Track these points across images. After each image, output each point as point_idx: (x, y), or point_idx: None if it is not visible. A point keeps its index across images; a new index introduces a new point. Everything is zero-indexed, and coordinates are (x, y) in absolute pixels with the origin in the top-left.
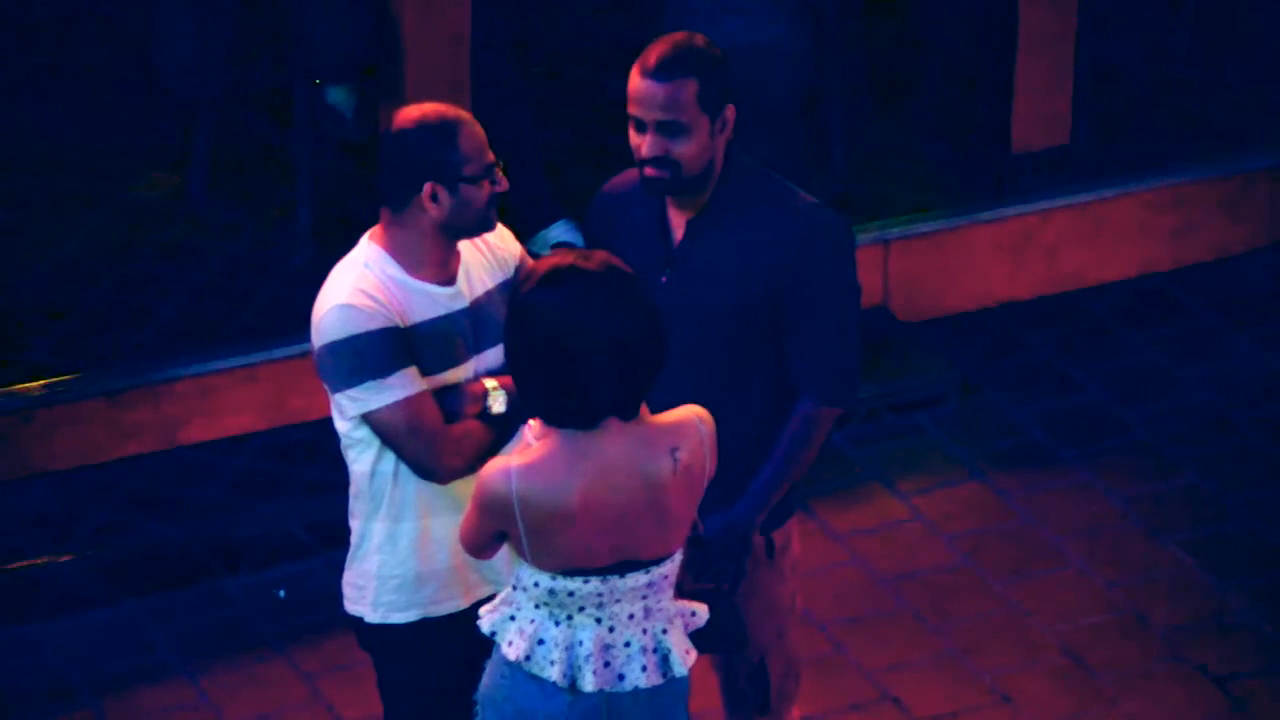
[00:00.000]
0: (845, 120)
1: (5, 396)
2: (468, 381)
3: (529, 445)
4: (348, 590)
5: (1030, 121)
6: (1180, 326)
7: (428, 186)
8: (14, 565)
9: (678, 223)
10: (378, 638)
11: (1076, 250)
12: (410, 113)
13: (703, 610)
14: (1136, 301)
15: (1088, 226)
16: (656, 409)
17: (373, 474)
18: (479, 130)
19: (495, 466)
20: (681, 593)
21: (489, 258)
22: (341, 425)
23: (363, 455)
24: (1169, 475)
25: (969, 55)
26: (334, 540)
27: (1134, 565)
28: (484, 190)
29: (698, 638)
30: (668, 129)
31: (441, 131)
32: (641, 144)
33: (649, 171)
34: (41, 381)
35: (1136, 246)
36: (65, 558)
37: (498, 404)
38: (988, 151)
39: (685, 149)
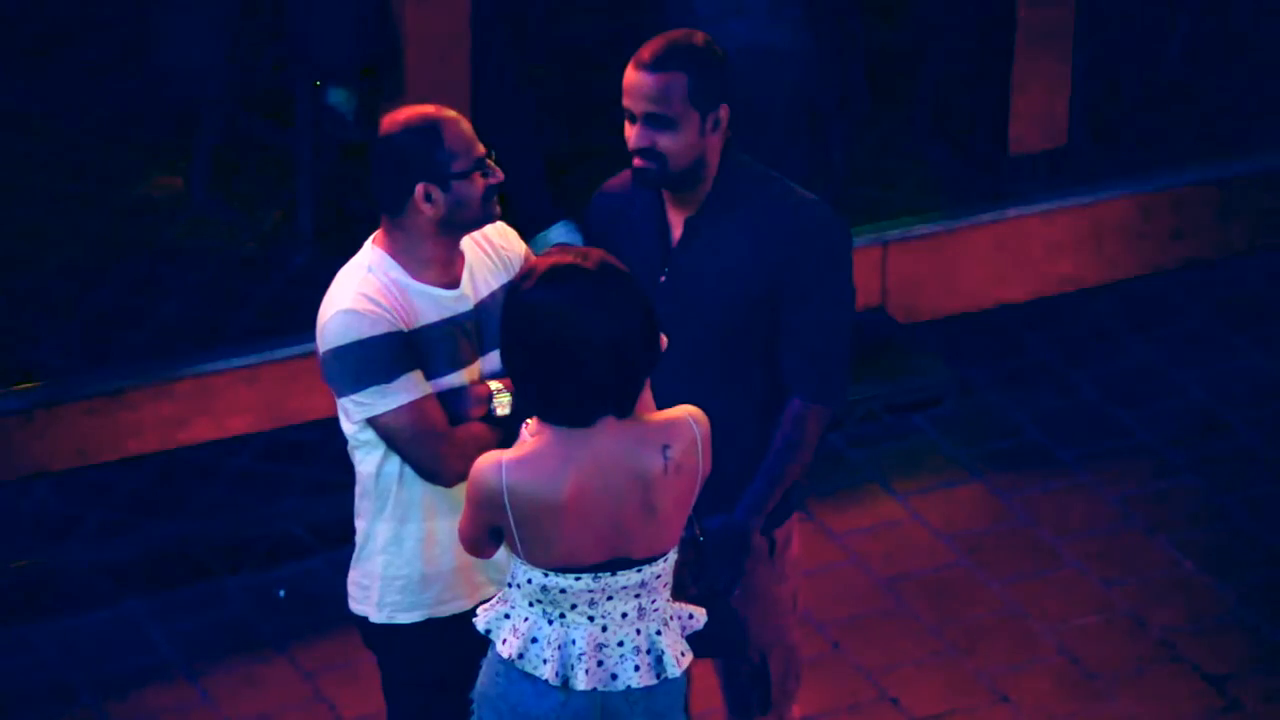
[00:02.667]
0: (844, 122)
1: (5, 396)
2: (473, 384)
3: (525, 442)
4: (352, 590)
5: (1028, 124)
6: (1178, 328)
7: (420, 187)
8: (14, 565)
9: (676, 222)
10: (382, 637)
11: (1074, 252)
12: (396, 116)
13: (700, 614)
14: (1134, 303)
15: (1085, 228)
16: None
17: (378, 475)
18: (465, 125)
19: (487, 459)
20: (683, 597)
21: (493, 259)
22: (348, 427)
23: (368, 456)
24: (1166, 476)
25: (968, 57)
26: (334, 540)
27: (1131, 566)
28: (477, 184)
29: (696, 641)
30: (655, 121)
31: (426, 131)
32: (631, 135)
33: (636, 162)
34: (41, 381)
35: (1134, 248)
36: (65, 558)
37: (503, 406)
38: (986, 153)
39: (672, 143)
